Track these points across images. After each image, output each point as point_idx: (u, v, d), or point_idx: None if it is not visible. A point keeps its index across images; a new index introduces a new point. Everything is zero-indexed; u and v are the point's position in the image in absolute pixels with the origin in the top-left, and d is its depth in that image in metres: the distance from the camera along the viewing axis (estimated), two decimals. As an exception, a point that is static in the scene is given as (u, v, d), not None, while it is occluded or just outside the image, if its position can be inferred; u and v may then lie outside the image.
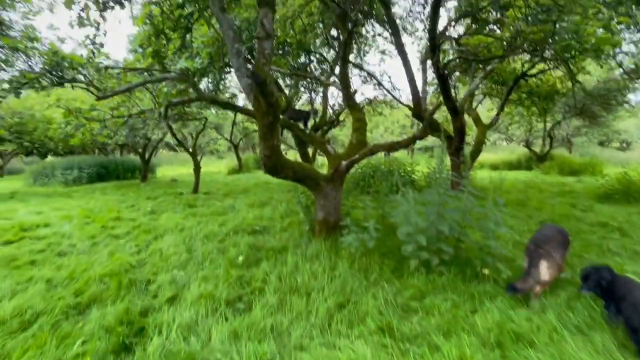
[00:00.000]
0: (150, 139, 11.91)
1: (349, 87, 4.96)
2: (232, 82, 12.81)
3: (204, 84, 10.59)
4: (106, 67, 3.81)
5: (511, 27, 5.98)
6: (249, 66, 3.19)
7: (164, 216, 6.12)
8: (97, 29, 4.05)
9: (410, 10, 10.49)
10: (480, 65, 8.53)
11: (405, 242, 3.11)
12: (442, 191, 2.92)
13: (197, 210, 6.46)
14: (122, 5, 3.99)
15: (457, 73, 9.70)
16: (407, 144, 3.77)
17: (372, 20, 10.66)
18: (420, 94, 8.87)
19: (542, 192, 8.42)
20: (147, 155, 13.61)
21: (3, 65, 3.86)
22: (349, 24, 4.71)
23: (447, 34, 7.84)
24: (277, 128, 3.29)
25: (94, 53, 3.84)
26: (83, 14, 3.58)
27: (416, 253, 3.00)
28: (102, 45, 3.98)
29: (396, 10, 10.80)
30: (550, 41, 5.81)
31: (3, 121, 8.98)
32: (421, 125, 9.81)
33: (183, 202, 7.35)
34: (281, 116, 4.76)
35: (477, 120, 8.36)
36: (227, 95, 13.98)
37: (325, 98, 12.76)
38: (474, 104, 9.63)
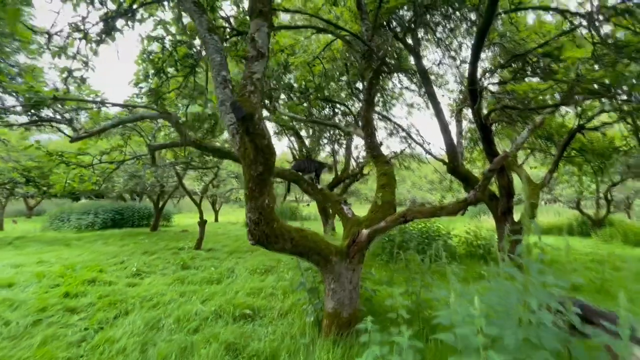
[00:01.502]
0: (165, 186, 11.50)
1: (373, 135, 4.05)
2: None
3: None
4: (55, 98, 3.15)
5: (569, 71, 5.04)
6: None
7: (147, 281, 5.11)
8: (86, 63, 3.53)
9: (440, 62, 9.98)
10: (519, 118, 7.53)
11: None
12: (539, 305, 1.68)
13: (188, 274, 5.41)
14: (112, 37, 3.48)
15: (494, 124, 8.72)
16: (456, 211, 2.67)
17: (399, 74, 10.28)
18: (456, 147, 7.84)
19: (617, 270, 6.66)
20: (161, 203, 13.12)
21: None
22: (375, 62, 3.96)
23: (483, 83, 7.06)
24: (269, 182, 2.33)
25: (68, 88, 3.25)
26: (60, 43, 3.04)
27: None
28: (83, 80, 3.41)
29: (425, 62, 10.38)
30: (625, 86, 4.77)
31: (17, 164, 8.86)
32: (452, 180, 8.65)
33: (178, 261, 6.35)
34: (288, 167, 3.84)
35: (526, 178, 7.09)
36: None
37: (348, 149, 12.08)
38: (519, 160, 8.44)
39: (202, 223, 7.94)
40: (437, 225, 7.76)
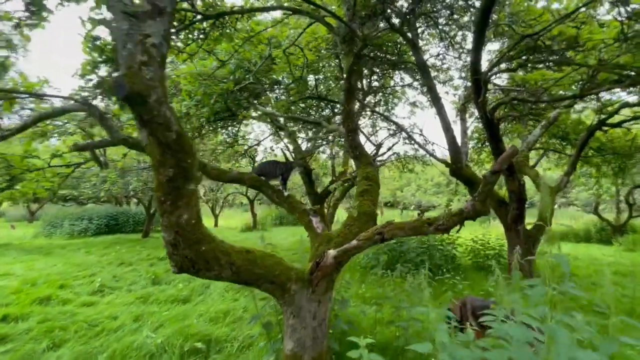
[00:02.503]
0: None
1: (355, 131, 3.42)
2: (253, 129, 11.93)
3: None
4: None
5: (589, 57, 4.33)
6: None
7: (107, 299, 4.55)
8: (9, 46, 3.00)
9: (440, 54, 9.29)
10: (531, 113, 6.80)
11: None
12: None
13: (155, 291, 4.83)
14: (38, 18, 2.94)
15: (502, 121, 7.99)
16: (449, 227, 2.00)
17: (400, 71, 9.69)
18: (460, 148, 7.15)
19: (646, 284, 5.85)
20: (152, 209, 12.63)
21: None
22: (356, 46, 3.34)
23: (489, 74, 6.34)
24: (189, 192, 1.71)
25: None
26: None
27: None
28: (4, 66, 2.87)
29: (429, 58, 9.73)
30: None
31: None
32: (459, 183, 7.93)
33: (150, 274, 5.78)
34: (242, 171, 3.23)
35: (542, 182, 6.35)
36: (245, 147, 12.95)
37: (347, 150, 11.43)
38: (530, 162, 7.67)
39: (185, 231, 7.36)
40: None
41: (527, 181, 6.69)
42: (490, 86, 5.67)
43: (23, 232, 15.28)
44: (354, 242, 2.21)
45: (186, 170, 1.66)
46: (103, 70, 3.85)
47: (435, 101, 6.26)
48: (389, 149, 8.75)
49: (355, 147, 3.45)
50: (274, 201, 3.00)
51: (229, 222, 22.52)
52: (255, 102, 5.33)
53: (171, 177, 1.63)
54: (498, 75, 6.07)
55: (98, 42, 3.59)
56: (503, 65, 6.01)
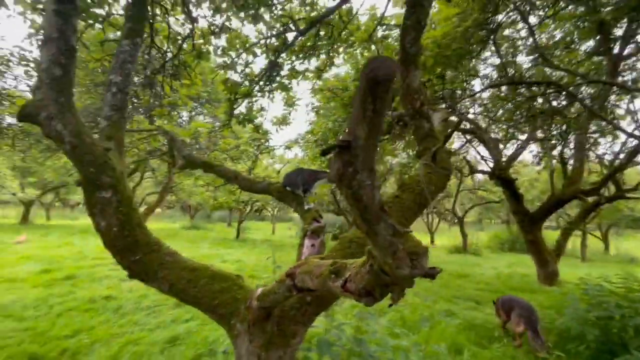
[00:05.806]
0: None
1: (420, 116, 2.24)
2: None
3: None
4: None
5: None
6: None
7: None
8: None
9: None
10: None
11: None
12: None
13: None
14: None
15: None
16: (363, 291, 0.80)
17: None
18: None
19: None
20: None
21: None
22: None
23: None
24: (102, 200, 1.75)
25: None
26: None
27: None
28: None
29: None
30: None
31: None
32: None
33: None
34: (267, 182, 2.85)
35: None
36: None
37: (580, 147, 7.40)
38: None
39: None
40: None
41: None
42: None
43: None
44: (274, 282, 1.44)
45: (91, 179, 1.71)
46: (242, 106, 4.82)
47: None
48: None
49: (421, 138, 2.27)
50: (298, 212, 2.49)
51: (442, 240, 20.51)
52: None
53: (82, 183, 1.74)
54: None
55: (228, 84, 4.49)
56: None
